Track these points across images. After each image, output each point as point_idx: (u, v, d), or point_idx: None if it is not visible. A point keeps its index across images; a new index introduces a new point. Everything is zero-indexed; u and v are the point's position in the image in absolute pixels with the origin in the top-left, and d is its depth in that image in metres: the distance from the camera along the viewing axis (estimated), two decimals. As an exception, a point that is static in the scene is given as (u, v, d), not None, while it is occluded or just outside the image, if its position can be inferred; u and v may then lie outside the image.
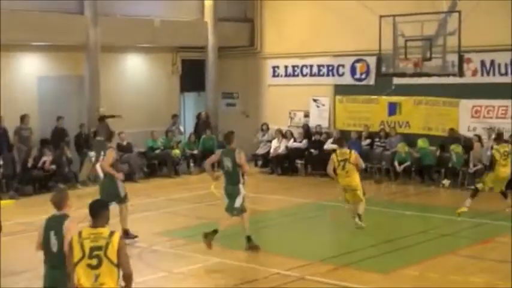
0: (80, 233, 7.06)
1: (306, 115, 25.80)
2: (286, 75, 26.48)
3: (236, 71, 27.54)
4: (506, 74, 21.69)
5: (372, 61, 23.92)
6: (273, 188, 21.40)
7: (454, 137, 22.06)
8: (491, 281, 11.14)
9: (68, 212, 7.89)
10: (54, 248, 7.66)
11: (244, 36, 27.28)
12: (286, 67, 26.45)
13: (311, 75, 25.75)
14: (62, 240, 7.58)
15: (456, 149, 21.36)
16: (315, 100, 25.63)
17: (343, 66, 24.97)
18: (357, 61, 24.60)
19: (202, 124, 25.83)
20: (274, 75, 26.87)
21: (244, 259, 12.79)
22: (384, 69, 22.71)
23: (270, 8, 26.82)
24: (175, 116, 25.66)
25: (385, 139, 23.20)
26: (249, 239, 13.55)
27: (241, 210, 13.45)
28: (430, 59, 20.96)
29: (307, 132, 24.74)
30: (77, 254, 6.99)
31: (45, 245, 7.74)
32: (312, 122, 25.30)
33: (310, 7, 25.35)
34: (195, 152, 24.79)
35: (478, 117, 22.21)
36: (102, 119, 22.09)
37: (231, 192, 13.47)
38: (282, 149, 24.24)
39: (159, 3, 24.86)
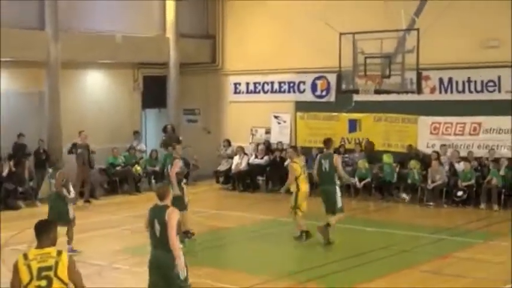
0: (25, 255, 6.84)
1: (267, 131, 25.93)
2: (247, 92, 26.60)
3: (198, 87, 27.57)
4: (463, 91, 22.09)
5: (332, 78, 24.16)
6: (235, 205, 21.43)
7: (413, 153, 22.36)
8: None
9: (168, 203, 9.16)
10: (158, 232, 8.93)
11: (206, 53, 27.37)
12: (247, 84, 26.58)
13: (272, 92, 25.92)
14: (164, 227, 8.85)
15: (415, 165, 21.64)
16: (276, 117, 25.79)
17: (304, 83, 25.18)
18: (318, 78, 24.83)
19: (169, 137, 25.74)
20: (235, 92, 26.99)
21: (205, 276, 12.77)
22: (344, 86, 22.98)
23: (232, 25, 26.96)
24: (136, 133, 25.59)
25: (345, 154, 23.41)
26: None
27: (341, 209, 15.42)
28: (389, 76, 21.24)
29: (268, 148, 24.85)
30: (25, 276, 6.73)
31: (150, 230, 9.07)
32: (273, 139, 25.43)
33: (272, 24, 25.55)
34: (157, 168, 24.73)
35: (437, 134, 22.55)
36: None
37: (328, 192, 15.39)
38: (243, 166, 24.30)
39: (120, 19, 24.82)
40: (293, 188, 15.46)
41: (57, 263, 6.77)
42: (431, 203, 20.96)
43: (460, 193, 20.88)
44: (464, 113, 21.91)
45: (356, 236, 16.81)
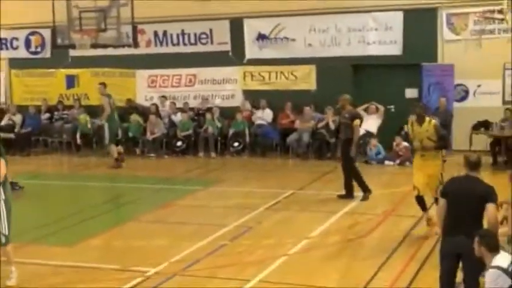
0: None
1: (-19, 91, 24.79)
2: (-42, 50, 25.15)
3: None
4: (178, 44, 22.67)
5: (47, 33, 23.60)
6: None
7: (132, 107, 22.63)
8: (173, 241, 11.68)
9: None
10: None
11: None
12: (-42, 41, 25.11)
13: (-17, 49, 24.75)
14: None
15: (135, 118, 21.94)
16: (-11, 75, 24.70)
17: (17, 39, 24.36)
18: (31, 34, 24.14)
19: None
20: None
21: None
22: (59, 41, 22.51)
23: None
24: None
25: (63, 111, 23.12)
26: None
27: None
28: (105, 30, 21.16)
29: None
30: None
31: None
32: (-12, 98, 24.38)
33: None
34: None
35: (155, 87, 23.01)
36: None
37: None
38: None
39: None
40: None
41: None
42: (152, 155, 21.42)
43: (179, 143, 21.58)
44: (180, 65, 22.54)
45: (79, 192, 16.77)
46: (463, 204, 7.51)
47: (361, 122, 15.52)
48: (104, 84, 19.92)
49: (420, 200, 11.91)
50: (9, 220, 9.62)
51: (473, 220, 7.45)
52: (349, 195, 14.67)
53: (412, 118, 11.81)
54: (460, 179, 7.80)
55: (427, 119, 11.72)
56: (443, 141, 11.82)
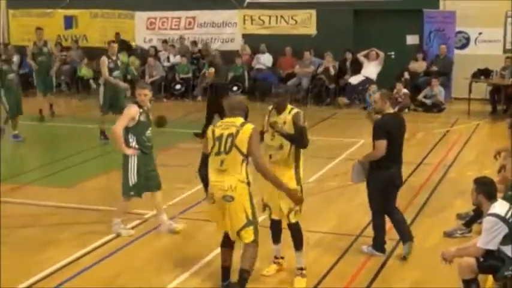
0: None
1: (-21, 32, 24.58)
2: None
3: None
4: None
5: (45, -27, 23.33)
6: None
7: (130, 49, 22.47)
8: (173, 184, 11.69)
9: None
10: None
11: None
12: None
13: (-21, -12, 24.48)
14: None
15: (134, 60, 21.82)
16: (-14, 16, 24.48)
17: (14, -21, 24.07)
18: (29, -27, 23.84)
19: None
20: None
21: None
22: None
23: None
24: None
25: (62, 52, 22.95)
26: None
27: None
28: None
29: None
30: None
31: None
32: (-18, 38, 24.18)
33: None
34: None
35: (154, 29, 22.83)
36: None
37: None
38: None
39: None
40: None
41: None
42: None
43: (178, 86, 21.50)
44: (179, 8, 22.31)
45: (78, 134, 16.74)
46: (400, 139, 8.54)
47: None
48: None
49: (275, 229, 8.17)
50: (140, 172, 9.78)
51: (402, 151, 8.60)
52: None
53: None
54: (391, 116, 8.52)
55: (289, 106, 7.74)
56: (297, 139, 7.64)
